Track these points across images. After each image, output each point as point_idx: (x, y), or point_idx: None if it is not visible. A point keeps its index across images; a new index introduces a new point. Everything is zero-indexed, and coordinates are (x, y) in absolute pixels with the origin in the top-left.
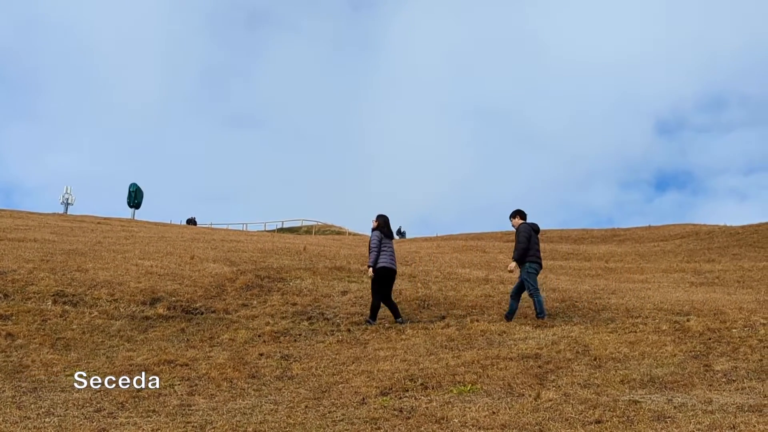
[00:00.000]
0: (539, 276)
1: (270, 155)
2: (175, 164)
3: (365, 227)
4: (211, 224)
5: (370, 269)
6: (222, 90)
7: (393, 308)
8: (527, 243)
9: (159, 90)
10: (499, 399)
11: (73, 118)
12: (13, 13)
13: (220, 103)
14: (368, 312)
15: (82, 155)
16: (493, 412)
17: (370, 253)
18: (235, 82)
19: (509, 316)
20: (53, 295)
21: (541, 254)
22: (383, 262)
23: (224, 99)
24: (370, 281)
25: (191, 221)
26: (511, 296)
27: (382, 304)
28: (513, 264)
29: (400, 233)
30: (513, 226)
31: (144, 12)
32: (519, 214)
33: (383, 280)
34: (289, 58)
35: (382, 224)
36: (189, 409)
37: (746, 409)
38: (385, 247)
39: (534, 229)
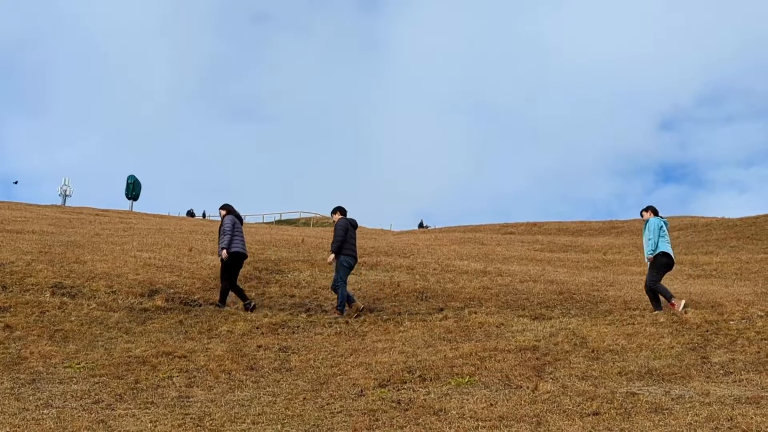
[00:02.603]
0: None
1: (270, 149)
2: (174, 157)
3: (364, 220)
4: (207, 215)
5: (224, 251)
6: (225, 85)
7: (240, 293)
8: (344, 236)
9: (162, 84)
10: (496, 391)
11: (75, 111)
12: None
13: (222, 98)
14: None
15: (81, 147)
16: (491, 404)
17: (222, 236)
18: (239, 77)
19: (341, 307)
20: (51, 287)
21: (358, 249)
22: (236, 246)
23: (227, 94)
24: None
25: (190, 213)
26: (331, 289)
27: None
28: (332, 256)
29: (423, 226)
30: (333, 221)
31: (151, 6)
32: (339, 210)
33: (235, 264)
34: (293, 56)
35: (232, 210)
36: (187, 401)
37: (743, 400)
38: (237, 231)
39: (352, 224)
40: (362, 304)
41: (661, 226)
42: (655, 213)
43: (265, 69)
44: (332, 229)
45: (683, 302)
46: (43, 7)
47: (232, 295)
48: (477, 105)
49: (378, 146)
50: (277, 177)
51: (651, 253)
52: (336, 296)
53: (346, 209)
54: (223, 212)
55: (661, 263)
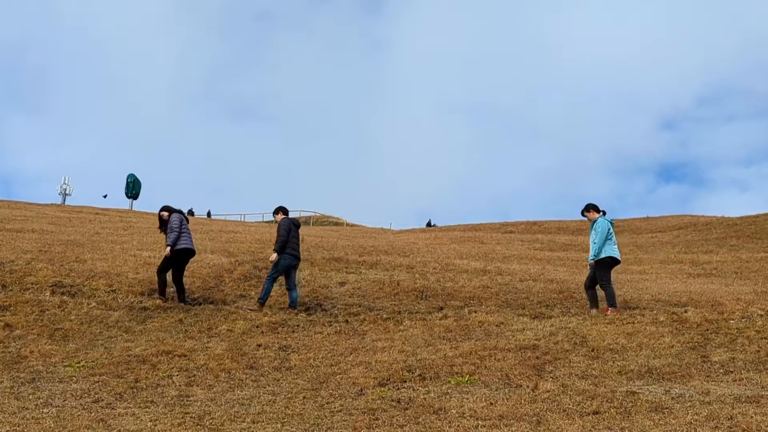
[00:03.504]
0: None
1: (271, 148)
2: (175, 156)
3: (364, 218)
4: (213, 214)
5: (169, 248)
6: (227, 85)
7: (181, 288)
8: (287, 236)
9: (164, 83)
10: (496, 390)
11: (76, 110)
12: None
13: (224, 97)
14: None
15: (82, 147)
16: (491, 403)
17: (169, 233)
18: (240, 77)
19: (262, 300)
20: (51, 286)
21: (300, 248)
22: (184, 243)
23: (229, 93)
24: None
25: (191, 213)
26: (288, 288)
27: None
28: (274, 255)
29: (431, 225)
30: (276, 221)
31: (154, 6)
32: (282, 210)
33: (181, 259)
34: (294, 56)
35: (175, 211)
36: (187, 400)
37: (743, 400)
38: (184, 228)
39: (294, 224)
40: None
41: (609, 229)
42: (598, 212)
43: (267, 69)
44: (331, 227)
45: (615, 313)
46: (45, 7)
47: (194, 289)
48: (478, 105)
49: (378, 145)
50: (277, 176)
51: (594, 258)
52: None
53: (288, 209)
54: (166, 214)
55: (606, 263)
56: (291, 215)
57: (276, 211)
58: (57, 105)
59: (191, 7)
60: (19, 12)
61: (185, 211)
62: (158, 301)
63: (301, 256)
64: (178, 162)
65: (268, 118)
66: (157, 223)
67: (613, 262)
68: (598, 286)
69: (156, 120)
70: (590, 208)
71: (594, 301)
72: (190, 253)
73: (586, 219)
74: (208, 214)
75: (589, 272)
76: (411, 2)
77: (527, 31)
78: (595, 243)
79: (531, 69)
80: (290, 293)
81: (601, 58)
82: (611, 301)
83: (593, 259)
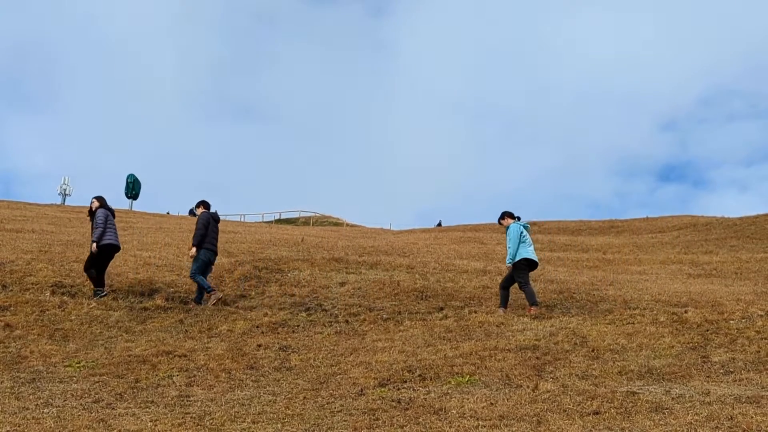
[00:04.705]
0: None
1: (272, 148)
2: (175, 156)
3: (364, 219)
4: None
5: (94, 245)
6: (229, 85)
7: (95, 280)
8: (205, 230)
9: (165, 83)
10: (497, 390)
11: (78, 110)
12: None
13: (226, 98)
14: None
15: (83, 146)
16: (491, 404)
17: (95, 229)
18: (243, 78)
19: (209, 290)
20: (51, 286)
21: (218, 243)
22: (109, 239)
23: (231, 94)
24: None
25: (192, 213)
26: (197, 283)
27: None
28: (193, 249)
29: (440, 225)
30: (195, 215)
31: (158, 7)
32: (203, 204)
33: (105, 255)
34: (297, 58)
35: (105, 203)
36: (187, 400)
37: (744, 400)
38: (110, 224)
39: (214, 218)
40: (221, 293)
41: (522, 232)
42: (513, 218)
43: (267, 70)
44: (331, 227)
45: (537, 311)
46: (52, 8)
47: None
48: (478, 105)
49: (379, 146)
50: (277, 176)
51: (510, 261)
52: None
53: (210, 203)
54: (96, 204)
55: (522, 265)
56: (290, 215)
57: (197, 205)
58: (57, 105)
59: (195, 8)
60: (27, 12)
61: (186, 211)
62: (104, 294)
63: (303, 257)
64: (179, 162)
65: (269, 118)
66: (157, 224)
67: (529, 263)
68: (515, 287)
69: (157, 120)
70: (505, 215)
71: (504, 301)
72: (114, 248)
73: (502, 226)
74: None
75: (506, 274)
76: (416, 7)
77: (529, 33)
78: (509, 247)
79: (532, 70)
80: (197, 281)
81: (601, 59)
82: (532, 300)
83: (510, 263)
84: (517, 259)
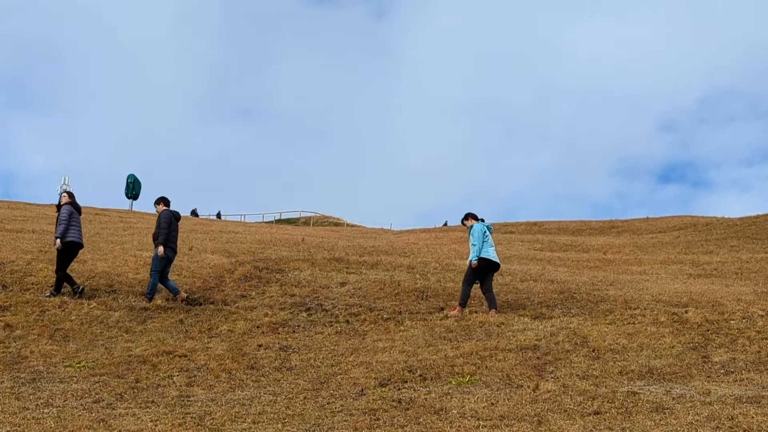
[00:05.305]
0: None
1: (272, 149)
2: (175, 156)
3: (364, 219)
4: (209, 214)
5: (58, 241)
6: (231, 86)
7: (70, 279)
8: (168, 228)
9: (167, 82)
10: (497, 390)
11: (78, 111)
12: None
13: (227, 99)
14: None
15: (83, 147)
16: (492, 404)
17: (58, 225)
18: (245, 79)
19: (175, 291)
20: (51, 286)
21: (178, 242)
22: (72, 236)
23: (232, 95)
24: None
25: (194, 213)
26: (159, 280)
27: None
28: (161, 248)
29: (445, 225)
30: (157, 211)
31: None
32: (163, 201)
33: (70, 252)
34: (297, 58)
35: (73, 200)
36: (188, 400)
37: (744, 400)
38: (74, 221)
39: (175, 216)
40: (185, 293)
41: (485, 232)
42: (476, 219)
43: (268, 71)
44: (331, 227)
45: (460, 311)
46: (56, 11)
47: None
48: (478, 106)
49: (379, 146)
50: (277, 176)
51: (476, 257)
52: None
53: (170, 200)
54: (66, 198)
55: (481, 265)
56: (291, 216)
57: (157, 202)
58: (57, 105)
59: (197, 9)
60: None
61: (188, 211)
62: (57, 296)
63: (303, 257)
64: (179, 162)
65: (269, 119)
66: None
67: (486, 264)
68: (487, 287)
69: (157, 120)
70: (468, 216)
71: (492, 302)
72: (78, 246)
73: (465, 226)
74: (218, 215)
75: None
76: (415, 7)
77: (530, 35)
78: (474, 245)
79: (533, 71)
80: (167, 283)
81: (602, 60)
82: (463, 302)
83: (474, 259)
84: (480, 256)
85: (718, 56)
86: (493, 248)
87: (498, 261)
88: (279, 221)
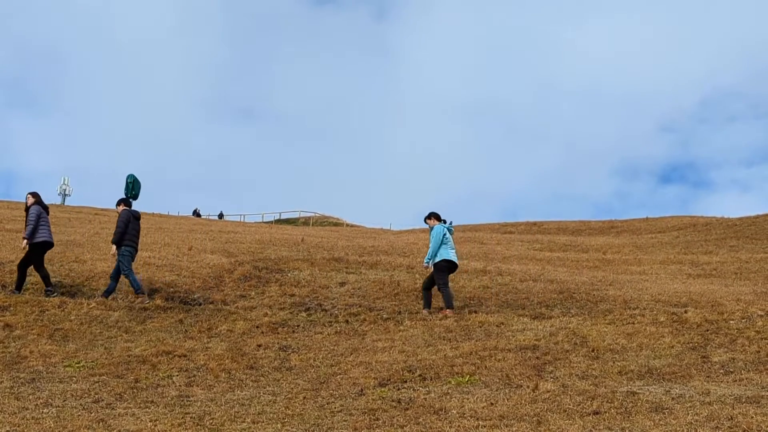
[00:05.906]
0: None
1: (272, 149)
2: (175, 156)
3: (364, 219)
4: (209, 215)
5: (25, 241)
6: (232, 87)
7: (46, 277)
8: (125, 228)
9: (168, 82)
10: (497, 390)
11: (78, 111)
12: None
13: (228, 99)
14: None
15: (83, 147)
16: (491, 404)
17: (27, 226)
18: (246, 80)
19: (107, 294)
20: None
21: (139, 240)
22: (42, 236)
23: (233, 95)
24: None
25: (196, 213)
26: (111, 277)
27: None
28: (114, 248)
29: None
30: (118, 212)
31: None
32: (123, 202)
33: (39, 252)
34: (297, 58)
35: (40, 200)
36: (187, 400)
37: (744, 400)
38: (43, 221)
39: (134, 216)
40: (145, 292)
41: (445, 234)
42: (439, 219)
43: (269, 72)
44: (331, 227)
45: (452, 314)
46: (57, 11)
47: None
48: (479, 106)
49: (379, 146)
50: (277, 176)
51: (428, 261)
52: (134, 284)
53: (131, 201)
54: (31, 200)
55: (442, 266)
56: (290, 216)
57: (118, 203)
58: (58, 105)
59: (199, 10)
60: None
61: (189, 211)
62: (14, 296)
63: (303, 257)
64: (179, 162)
65: (270, 119)
66: (157, 224)
67: (449, 265)
68: (435, 289)
69: (157, 120)
70: (432, 216)
71: (428, 303)
72: (48, 245)
73: (428, 226)
74: (220, 216)
75: (428, 275)
76: (416, 7)
77: (531, 35)
78: (430, 247)
79: (534, 71)
80: (130, 280)
81: (603, 60)
82: (448, 304)
83: (427, 263)
84: (438, 260)
85: (719, 56)
86: (454, 250)
87: (457, 262)
88: (278, 221)
